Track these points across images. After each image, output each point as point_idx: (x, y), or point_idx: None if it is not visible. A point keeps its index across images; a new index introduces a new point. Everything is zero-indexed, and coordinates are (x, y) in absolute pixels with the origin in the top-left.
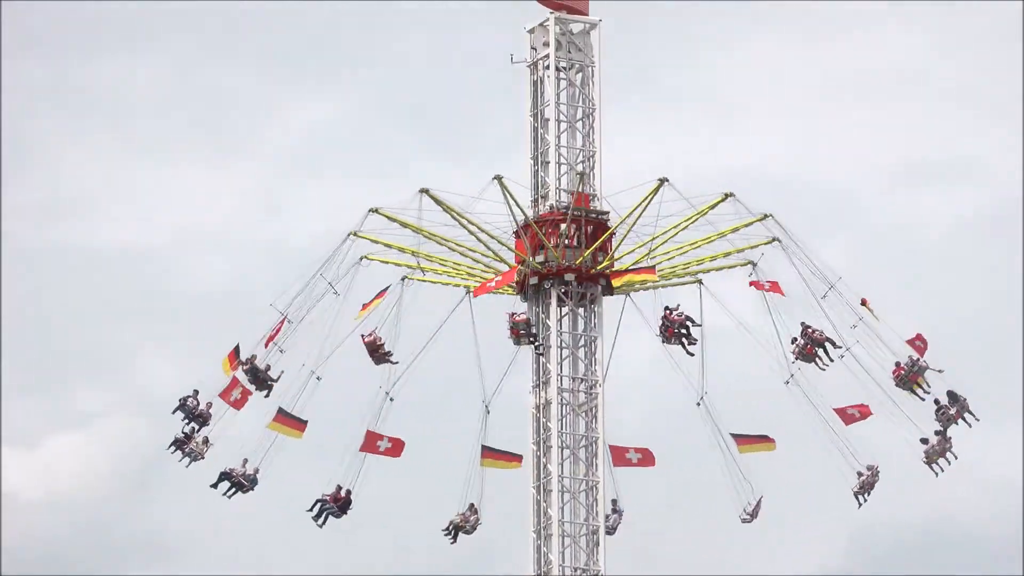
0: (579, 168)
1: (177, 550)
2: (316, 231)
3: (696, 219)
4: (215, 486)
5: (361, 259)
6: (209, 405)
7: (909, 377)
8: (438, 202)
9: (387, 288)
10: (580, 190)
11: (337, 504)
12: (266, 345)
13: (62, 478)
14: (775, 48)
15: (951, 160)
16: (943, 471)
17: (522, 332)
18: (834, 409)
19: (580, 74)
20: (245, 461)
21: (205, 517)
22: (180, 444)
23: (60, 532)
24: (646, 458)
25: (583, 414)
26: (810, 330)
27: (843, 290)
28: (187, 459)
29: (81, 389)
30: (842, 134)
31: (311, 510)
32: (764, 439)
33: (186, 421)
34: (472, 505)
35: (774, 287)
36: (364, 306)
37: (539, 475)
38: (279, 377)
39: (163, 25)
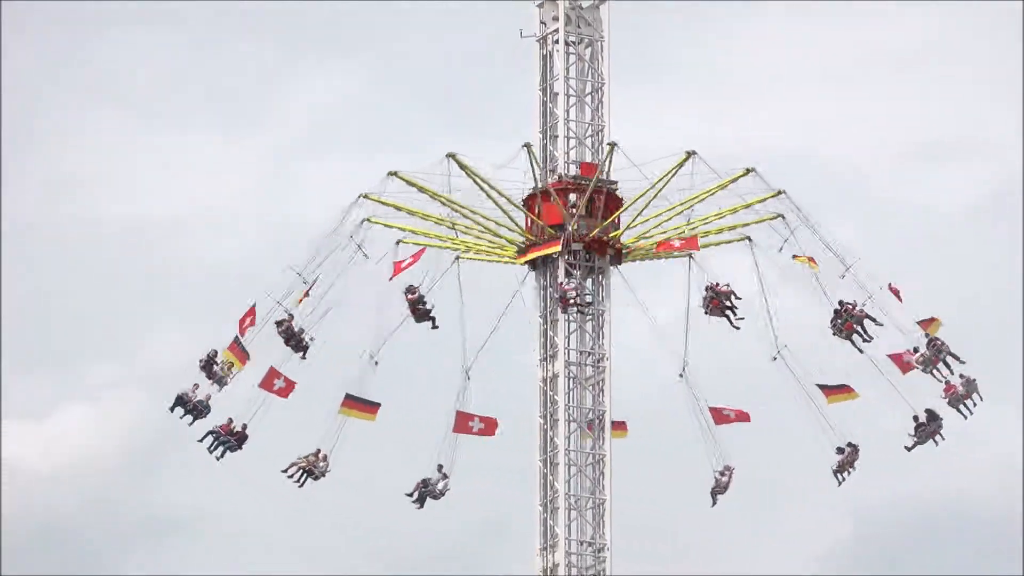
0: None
1: (183, 526)
2: (326, 207)
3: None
4: (172, 409)
5: (363, 221)
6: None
7: (963, 396)
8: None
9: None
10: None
11: (234, 437)
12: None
13: (68, 451)
14: (785, 27)
15: (962, 139)
16: (845, 480)
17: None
18: (709, 408)
19: (589, 49)
20: (196, 387)
21: (212, 494)
22: (206, 365)
23: (64, 506)
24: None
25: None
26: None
27: (856, 269)
28: (214, 384)
29: (90, 363)
30: (852, 113)
31: (202, 440)
32: (619, 425)
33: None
34: (319, 451)
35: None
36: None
37: (546, 448)
38: (433, 308)
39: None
